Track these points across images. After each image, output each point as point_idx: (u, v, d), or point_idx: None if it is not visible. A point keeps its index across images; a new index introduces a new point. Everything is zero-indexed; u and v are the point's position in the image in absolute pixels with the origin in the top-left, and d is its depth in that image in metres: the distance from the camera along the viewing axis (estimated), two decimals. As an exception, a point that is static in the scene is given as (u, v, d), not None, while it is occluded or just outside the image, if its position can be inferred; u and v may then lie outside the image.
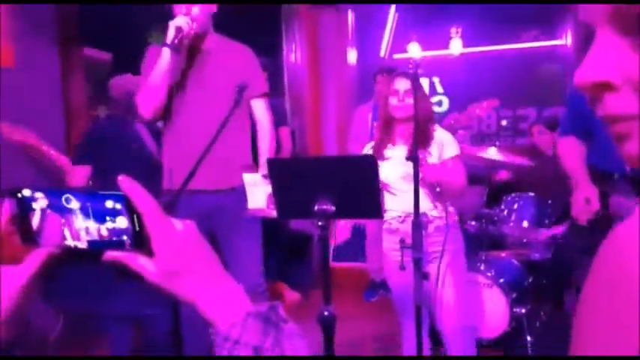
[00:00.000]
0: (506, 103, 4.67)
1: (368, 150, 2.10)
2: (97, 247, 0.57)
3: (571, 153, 1.78)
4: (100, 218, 0.56)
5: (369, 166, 1.37)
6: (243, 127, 2.17)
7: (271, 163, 1.51)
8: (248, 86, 1.90)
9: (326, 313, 1.31)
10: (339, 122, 4.35)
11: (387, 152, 2.03)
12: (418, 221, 1.61)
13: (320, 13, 4.37)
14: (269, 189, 1.53)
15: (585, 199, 1.63)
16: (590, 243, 1.70)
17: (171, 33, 1.91)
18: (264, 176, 1.68)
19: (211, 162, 1.85)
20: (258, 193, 1.70)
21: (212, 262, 0.57)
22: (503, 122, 4.64)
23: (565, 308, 2.81)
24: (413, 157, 1.62)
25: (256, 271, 2.14)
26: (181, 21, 1.91)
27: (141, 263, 0.55)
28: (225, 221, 2.12)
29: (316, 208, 1.36)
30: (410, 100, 1.92)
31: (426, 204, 1.89)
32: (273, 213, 1.50)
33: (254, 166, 2.15)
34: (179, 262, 0.54)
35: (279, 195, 1.44)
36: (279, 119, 3.42)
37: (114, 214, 0.56)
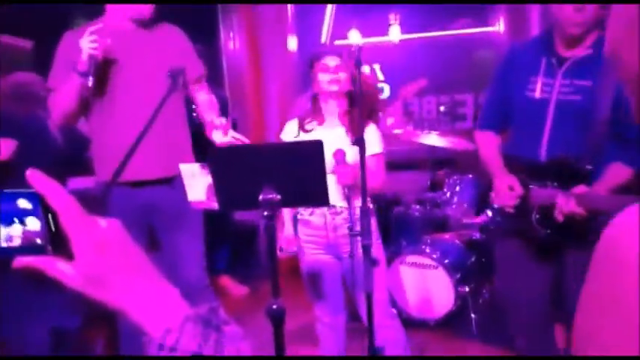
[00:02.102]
0: (444, 89, 4.79)
1: (292, 126, 2.02)
2: (6, 254, 0.50)
3: (488, 146, 1.84)
4: (6, 220, 0.49)
5: (315, 151, 1.32)
6: (179, 115, 2.06)
7: (211, 151, 1.42)
8: (182, 71, 1.79)
9: (274, 307, 1.26)
10: (281, 111, 4.28)
11: (309, 127, 1.97)
12: (365, 207, 1.59)
13: (258, -2, 4.25)
14: (209, 179, 1.45)
15: (508, 187, 1.68)
16: (509, 227, 1.76)
17: (84, 57, 1.77)
18: (203, 166, 1.59)
19: (145, 151, 1.74)
20: (198, 184, 1.60)
21: (141, 263, 0.52)
22: (442, 108, 4.76)
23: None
24: (358, 139, 1.58)
25: (198, 266, 2.06)
26: (92, 45, 1.76)
27: (59, 268, 0.49)
28: (164, 215, 2.01)
29: (261, 197, 1.30)
30: (342, 75, 1.89)
31: (335, 195, 1.82)
32: (215, 205, 1.42)
33: (193, 156, 2.05)
34: (102, 264, 0.49)
35: (221, 185, 1.36)
36: (219, 109, 3.31)
37: (23, 214, 0.49)
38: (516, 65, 1.75)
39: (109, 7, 1.98)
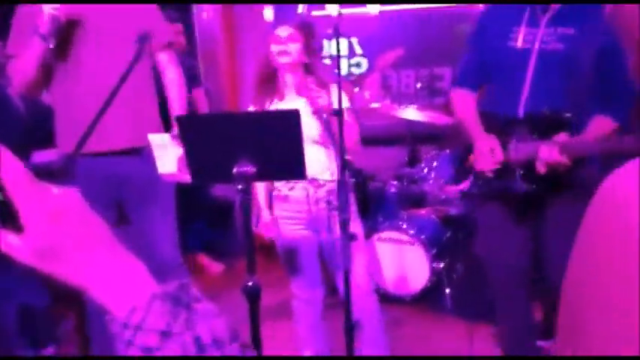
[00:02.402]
0: (423, 63, 4.74)
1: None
2: None
3: (466, 105, 1.78)
4: None
5: (292, 122, 1.25)
6: (147, 82, 1.94)
7: (182, 120, 1.34)
8: (150, 36, 1.68)
9: (250, 284, 1.21)
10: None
11: (275, 107, 1.90)
12: (343, 180, 1.54)
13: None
14: (180, 150, 1.37)
15: (490, 150, 1.63)
16: (491, 190, 1.73)
17: (45, 19, 1.65)
18: (174, 136, 1.51)
19: (112, 120, 1.64)
20: (168, 155, 1.52)
21: (102, 235, 0.47)
22: (419, 85, 4.72)
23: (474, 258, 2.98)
24: (338, 111, 1.52)
25: (170, 242, 1.98)
26: (54, 5, 1.65)
27: (7, 241, 0.44)
28: (133, 188, 1.92)
29: (235, 170, 1.24)
30: (293, 46, 1.83)
31: (317, 167, 1.80)
32: (187, 177, 1.35)
33: (162, 127, 1.95)
34: (56, 235, 0.44)
35: (193, 157, 1.29)
36: (192, 80, 3.18)
37: None
38: (498, 16, 1.69)
39: None
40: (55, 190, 0.45)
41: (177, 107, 1.95)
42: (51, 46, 1.67)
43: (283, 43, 1.83)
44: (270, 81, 1.89)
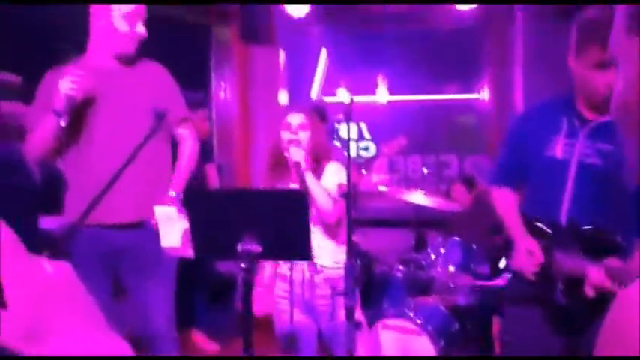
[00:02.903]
0: (429, 150, 4.85)
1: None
2: None
3: (507, 204, 1.75)
4: None
5: (299, 201, 1.25)
6: (164, 156, 1.98)
7: (189, 194, 1.34)
8: (168, 112, 1.73)
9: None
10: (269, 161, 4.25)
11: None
12: (350, 266, 1.50)
13: (251, 50, 4.33)
14: (185, 224, 1.36)
15: (528, 252, 1.58)
16: (529, 293, 1.64)
17: (60, 98, 1.72)
18: (180, 210, 1.50)
19: (121, 193, 1.64)
20: (173, 228, 1.50)
21: (90, 316, 0.45)
22: (425, 170, 4.79)
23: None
24: (346, 194, 1.52)
25: (166, 316, 1.91)
26: (71, 86, 1.72)
27: None
28: (133, 259, 1.88)
29: (240, 247, 1.21)
30: (303, 134, 1.84)
31: (316, 252, 1.72)
32: (190, 252, 1.32)
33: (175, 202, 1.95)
34: (41, 316, 0.41)
35: (197, 231, 1.27)
36: (205, 156, 3.26)
37: None
38: (534, 124, 1.69)
39: (92, 43, 1.94)
40: (47, 266, 0.42)
41: (181, 173, 1.96)
42: (63, 124, 1.71)
43: (293, 132, 1.85)
44: (281, 164, 1.91)
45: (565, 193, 1.58)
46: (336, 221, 1.80)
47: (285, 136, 1.86)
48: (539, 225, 1.62)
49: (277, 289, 1.88)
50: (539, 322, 1.62)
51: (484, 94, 4.80)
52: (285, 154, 1.85)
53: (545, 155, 1.62)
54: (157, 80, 1.97)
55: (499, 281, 1.63)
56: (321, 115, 1.75)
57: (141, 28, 1.89)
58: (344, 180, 1.79)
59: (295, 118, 1.88)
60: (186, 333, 3.23)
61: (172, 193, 1.86)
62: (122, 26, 1.85)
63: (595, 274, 1.43)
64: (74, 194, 1.89)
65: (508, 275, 1.64)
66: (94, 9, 1.90)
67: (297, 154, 1.78)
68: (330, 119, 1.89)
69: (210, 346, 3.27)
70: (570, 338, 1.61)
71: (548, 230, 1.60)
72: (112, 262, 1.86)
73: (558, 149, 1.60)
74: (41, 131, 1.79)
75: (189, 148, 2.02)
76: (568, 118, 1.62)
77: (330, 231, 1.83)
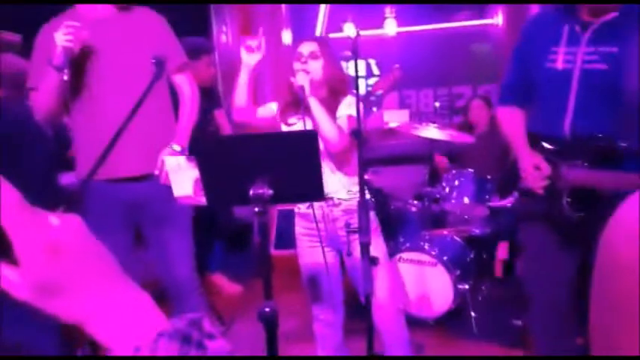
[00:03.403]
0: (442, 82, 4.72)
1: (270, 109, 1.91)
2: None
3: (513, 121, 1.72)
4: None
5: (309, 142, 1.24)
6: (164, 105, 1.96)
7: (197, 143, 1.34)
8: (166, 59, 1.69)
9: (267, 310, 1.18)
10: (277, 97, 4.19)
11: (292, 120, 1.87)
12: (364, 202, 1.51)
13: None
14: (196, 173, 1.36)
15: (534, 167, 1.58)
16: (537, 209, 1.64)
17: (58, 51, 1.67)
18: (190, 158, 1.50)
19: (128, 146, 1.64)
20: (184, 178, 1.52)
21: (105, 266, 0.44)
22: (437, 104, 4.69)
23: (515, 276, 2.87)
24: (356, 131, 1.50)
25: (187, 264, 1.97)
26: (67, 37, 1.67)
27: (5, 275, 0.41)
28: (150, 212, 1.92)
29: (252, 192, 1.22)
30: (314, 64, 1.79)
31: (331, 185, 1.75)
32: (203, 200, 1.34)
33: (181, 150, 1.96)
34: (54, 270, 0.41)
35: (208, 180, 1.28)
36: (212, 103, 3.22)
37: None
38: (536, 36, 1.63)
39: None
40: (54, 220, 0.42)
41: (183, 126, 1.94)
42: (65, 77, 1.69)
43: (303, 61, 1.80)
44: (290, 102, 1.86)
45: (568, 104, 1.54)
46: (341, 151, 1.78)
47: (296, 66, 1.81)
48: (542, 142, 1.59)
49: (298, 227, 1.92)
50: (551, 242, 1.63)
51: (498, 19, 4.58)
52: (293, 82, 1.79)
53: (547, 67, 1.57)
54: (153, 27, 1.92)
55: (508, 200, 1.64)
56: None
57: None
58: (354, 113, 1.73)
59: (306, 47, 1.82)
60: (209, 277, 3.33)
61: (177, 147, 1.85)
62: None
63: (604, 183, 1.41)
64: (83, 149, 1.90)
65: (516, 195, 1.64)
66: None
67: (302, 78, 1.72)
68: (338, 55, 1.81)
69: (233, 289, 3.39)
70: (582, 256, 1.62)
71: (551, 147, 1.58)
72: (130, 214, 1.90)
73: (559, 59, 1.55)
74: (45, 87, 1.78)
75: (189, 97, 1.99)
76: (569, 25, 1.55)
77: (341, 164, 1.82)
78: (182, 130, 1.94)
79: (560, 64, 1.54)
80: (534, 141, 1.62)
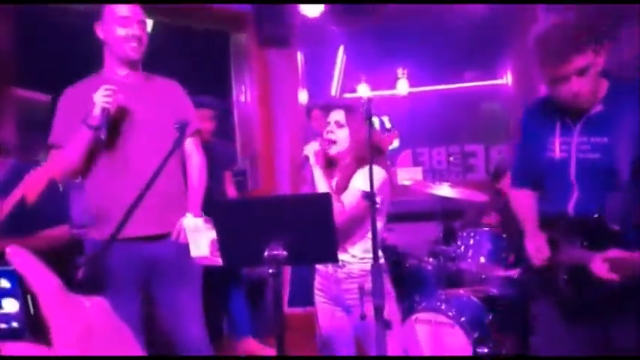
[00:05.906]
0: (454, 140, 4.79)
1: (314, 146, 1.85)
2: None
3: (523, 203, 1.81)
4: None
5: (323, 205, 1.27)
6: (178, 167, 2.03)
7: (215, 205, 1.38)
8: (188, 124, 1.78)
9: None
10: (292, 163, 4.28)
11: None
12: (378, 266, 1.51)
13: (269, 53, 4.37)
14: (213, 234, 1.40)
15: (536, 248, 1.65)
16: (543, 281, 1.68)
17: (96, 112, 1.77)
18: (207, 220, 1.55)
19: (145, 205, 1.69)
20: (201, 239, 1.55)
21: (127, 344, 0.46)
22: (451, 158, 4.73)
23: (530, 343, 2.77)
24: (368, 194, 1.53)
25: (198, 323, 1.96)
26: (106, 99, 1.77)
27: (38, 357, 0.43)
28: (164, 271, 1.94)
29: (266, 253, 1.24)
30: (341, 132, 1.82)
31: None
32: (219, 260, 1.36)
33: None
34: (86, 351, 0.43)
35: (225, 241, 1.31)
36: (226, 162, 3.30)
37: (0, 294, 0.43)
38: (534, 125, 1.74)
39: (105, 58, 2.00)
40: (87, 303, 0.44)
41: (195, 194, 1.99)
42: (103, 137, 1.75)
43: (330, 131, 1.82)
44: (327, 162, 1.86)
45: (572, 188, 1.62)
46: (341, 223, 1.72)
47: (325, 134, 1.84)
48: (548, 219, 1.68)
49: (316, 282, 1.92)
50: (557, 314, 1.66)
51: (507, 79, 4.70)
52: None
53: (546, 157, 1.67)
54: (174, 94, 2.04)
55: (514, 272, 1.69)
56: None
57: (136, 30, 1.91)
58: (366, 187, 1.68)
59: (333, 116, 1.85)
60: (239, 344, 3.16)
61: (192, 218, 1.87)
62: (119, 31, 1.90)
63: (597, 266, 1.46)
64: (104, 206, 1.92)
65: (520, 269, 1.69)
66: (98, 25, 1.96)
67: (308, 148, 1.77)
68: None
69: (267, 352, 3.16)
70: (588, 331, 1.62)
71: (554, 226, 1.65)
72: (143, 273, 1.92)
73: (556, 149, 1.64)
74: (75, 147, 1.83)
75: (197, 163, 2.05)
76: (561, 117, 1.64)
77: (345, 237, 1.81)
78: (194, 196, 1.98)
79: (557, 154, 1.64)
80: (542, 218, 1.71)
